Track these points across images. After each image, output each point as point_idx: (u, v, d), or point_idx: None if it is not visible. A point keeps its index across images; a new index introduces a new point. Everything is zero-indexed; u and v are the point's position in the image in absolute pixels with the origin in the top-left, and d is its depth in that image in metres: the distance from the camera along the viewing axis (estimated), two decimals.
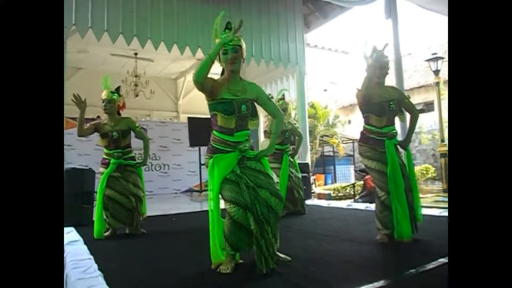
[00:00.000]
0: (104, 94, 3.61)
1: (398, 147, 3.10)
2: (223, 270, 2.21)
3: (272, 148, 2.49)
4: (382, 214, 2.95)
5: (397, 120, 3.17)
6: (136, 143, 3.93)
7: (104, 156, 3.64)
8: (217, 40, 2.28)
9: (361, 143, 3.12)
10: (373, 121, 3.03)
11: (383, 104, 3.00)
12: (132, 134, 3.77)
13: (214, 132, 2.34)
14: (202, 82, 2.20)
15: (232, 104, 2.28)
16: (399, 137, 3.16)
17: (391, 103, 3.02)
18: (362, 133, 3.13)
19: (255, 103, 2.46)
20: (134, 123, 3.75)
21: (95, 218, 3.49)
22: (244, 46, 2.36)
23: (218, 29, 2.32)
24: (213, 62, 2.23)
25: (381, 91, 3.04)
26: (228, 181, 2.25)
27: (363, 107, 3.08)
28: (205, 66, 2.18)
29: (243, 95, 2.33)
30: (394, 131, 3.04)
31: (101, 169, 3.61)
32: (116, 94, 3.68)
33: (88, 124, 3.56)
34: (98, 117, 9.08)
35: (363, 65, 3.08)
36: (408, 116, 3.27)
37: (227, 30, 2.27)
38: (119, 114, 3.74)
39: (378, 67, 3.00)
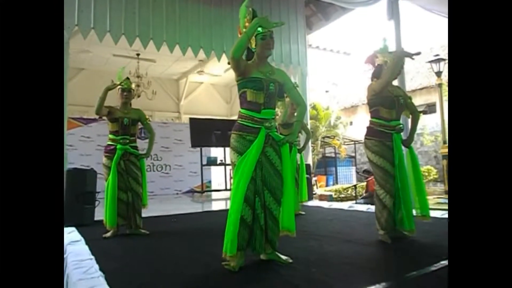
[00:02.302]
0: (124, 83, 3.68)
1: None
2: (227, 265, 2.23)
3: (295, 135, 2.60)
4: (380, 214, 2.97)
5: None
6: (139, 144, 3.96)
7: (109, 142, 3.66)
8: (248, 23, 2.37)
9: (368, 137, 3.12)
10: (383, 113, 3.06)
11: (393, 98, 3.06)
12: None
13: (241, 110, 2.42)
14: (238, 59, 2.29)
15: (262, 81, 2.37)
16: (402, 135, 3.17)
17: (400, 98, 3.09)
18: (369, 127, 3.16)
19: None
20: (145, 115, 3.89)
21: (105, 208, 3.49)
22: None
23: (244, 17, 2.42)
24: (249, 40, 2.32)
25: (391, 88, 3.12)
26: (247, 177, 2.27)
27: (374, 99, 3.09)
28: (242, 43, 2.27)
29: (272, 76, 2.43)
30: (401, 125, 3.08)
31: (105, 160, 3.62)
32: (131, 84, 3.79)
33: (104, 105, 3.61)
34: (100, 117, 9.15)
35: (379, 59, 3.15)
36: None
37: (265, 16, 2.39)
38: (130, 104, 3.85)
39: (400, 67, 3.03)
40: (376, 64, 3.19)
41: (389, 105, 3.04)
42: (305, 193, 5.01)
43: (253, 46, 2.41)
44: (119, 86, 3.65)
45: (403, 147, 3.12)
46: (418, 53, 2.97)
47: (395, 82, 3.29)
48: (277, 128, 2.46)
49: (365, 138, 3.16)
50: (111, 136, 3.67)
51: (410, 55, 2.95)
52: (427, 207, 3.10)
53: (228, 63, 2.50)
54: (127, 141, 3.65)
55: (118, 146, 3.58)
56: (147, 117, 3.92)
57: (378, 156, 3.02)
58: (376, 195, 3.03)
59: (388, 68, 3.00)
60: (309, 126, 8.28)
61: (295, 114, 2.71)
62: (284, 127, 4.69)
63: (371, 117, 3.15)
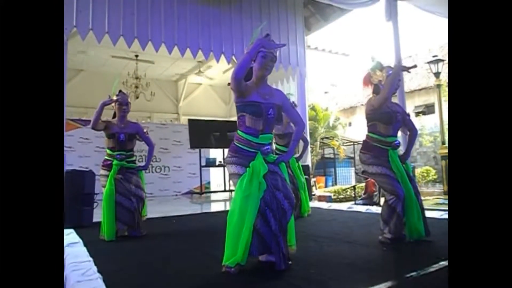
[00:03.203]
0: (120, 98, 3.64)
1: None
2: (227, 267, 2.20)
3: (291, 154, 2.57)
4: (390, 219, 2.95)
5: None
6: (138, 145, 3.94)
7: (106, 157, 3.65)
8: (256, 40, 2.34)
9: (363, 151, 3.14)
10: (380, 128, 3.08)
11: (391, 114, 3.07)
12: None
13: (239, 132, 2.40)
14: (240, 79, 2.27)
15: (261, 107, 2.34)
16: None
17: (398, 114, 3.11)
18: (365, 141, 3.17)
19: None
20: (142, 129, 3.83)
21: (103, 220, 3.43)
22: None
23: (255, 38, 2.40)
24: (251, 61, 2.32)
25: (390, 103, 3.13)
26: (260, 188, 2.25)
27: (372, 114, 3.11)
28: (245, 64, 2.26)
29: (271, 99, 2.41)
30: (397, 141, 3.10)
31: (102, 171, 3.62)
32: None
33: (100, 120, 3.55)
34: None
35: (375, 78, 3.16)
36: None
37: (269, 36, 2.36)
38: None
39: (398, 81, 3.07)
40: (374, 82, 3.20)
41: (387, 120, 3.06)
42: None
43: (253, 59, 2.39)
44: (116, 101, 3.59)
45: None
46: (414, 66, 3.05)
47: None
48: (273, 151, 2.45)
49: (361, 152, 3.18)
50: (108, 151, 3.65)
51: (407, 69, 3.03)
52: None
53: (228, 84, 2.46)
54: (124, 156, 3.61)
55: (114, 162, 3.56)
56: (145, 130, 3.88)
57: (375, 165, 3.04)
58: (385, 201, 3.03)
59: (386, 84, 3.03)
60: (308, 127, 8.30)
61: (291, 124, 2.70)
62: (280, 137, 4.70)
63: (368, 131, 3.17)
